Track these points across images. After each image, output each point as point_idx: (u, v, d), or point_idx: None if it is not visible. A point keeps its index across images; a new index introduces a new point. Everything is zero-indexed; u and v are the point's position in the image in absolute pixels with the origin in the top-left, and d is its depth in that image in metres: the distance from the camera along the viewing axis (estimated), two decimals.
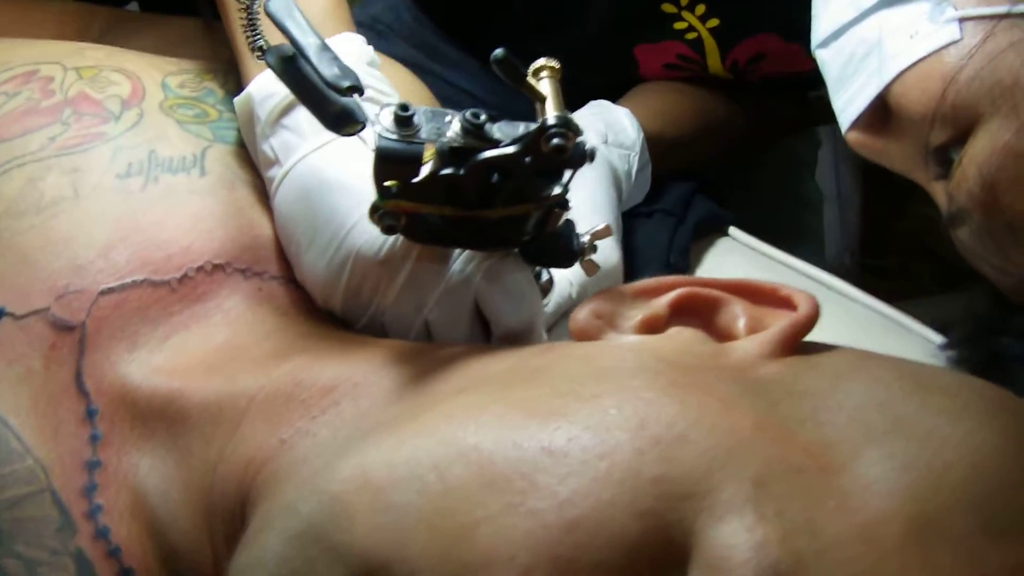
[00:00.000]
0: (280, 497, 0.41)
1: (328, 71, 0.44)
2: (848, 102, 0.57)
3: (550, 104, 0.44)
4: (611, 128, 0.70)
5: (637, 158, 0.70)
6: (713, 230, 0.72)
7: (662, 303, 0.44)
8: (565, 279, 0.58)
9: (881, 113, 0.55)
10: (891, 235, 1.67)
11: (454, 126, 0.44)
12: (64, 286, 0.50)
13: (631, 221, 0.70)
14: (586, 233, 0.51)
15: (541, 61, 0.46)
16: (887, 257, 1.66)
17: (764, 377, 0.40)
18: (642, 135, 0.71)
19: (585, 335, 0.43)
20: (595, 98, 0.75)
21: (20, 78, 0.56)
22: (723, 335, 0.43)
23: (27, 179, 0.52)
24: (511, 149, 0.44)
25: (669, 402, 0.37)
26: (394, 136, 0.44)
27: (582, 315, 0.43)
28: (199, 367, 0.49)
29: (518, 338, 0.50)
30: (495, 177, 0.45)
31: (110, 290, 0.50)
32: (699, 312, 0.44)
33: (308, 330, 0.51)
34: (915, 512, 0.34)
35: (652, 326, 0.43)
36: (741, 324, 0.43)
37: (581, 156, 0.45)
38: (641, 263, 0.68)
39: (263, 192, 0.55)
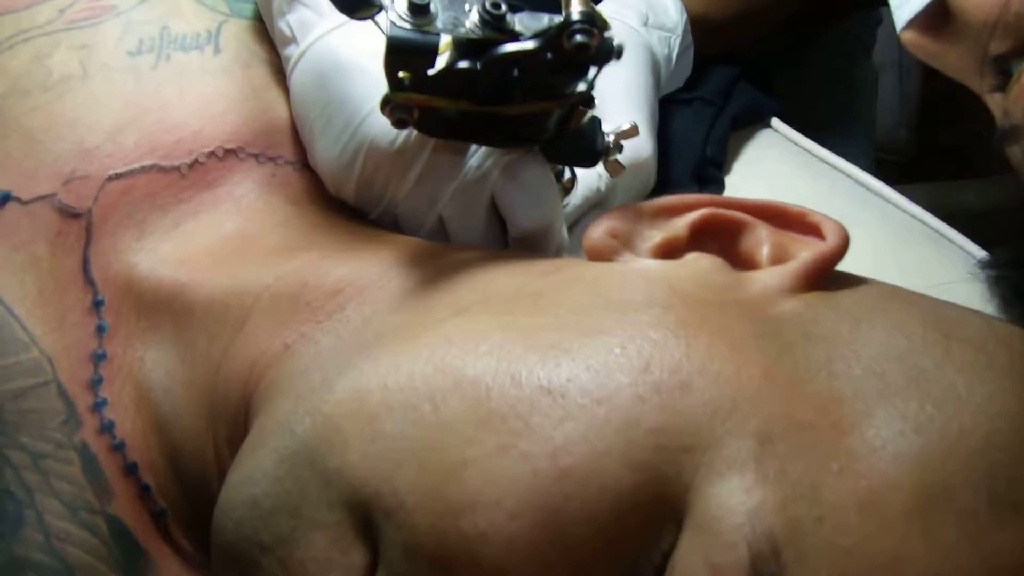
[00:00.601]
0: (277, 412, 0.40)
1: None
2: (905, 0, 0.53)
3: None
4: (652, 8, 0.66)
5: (679, 41, 0.66)
6: (755, 120, 0.69)
7: (682, 224, 0.41)
8: (594, 172, 0.55)
9: (939, 14, 0.52)
10: (950, 111, 1.61)
11: (472, 16, 0.42)
12: (71, 171, 0.48)
13: (669, 107, 0.66)
14: (612, 132, 0.48)
15: None
16: (944, 133, 1.60)
17: (782, 315, 0.38)
18: (685, 16, 0.67)
19: (599, 255, 0.41)
20: None
21: None
22: (745, 261, 0.41)
23: (34, 55, 0.50)
24: (531, 44, 0.41)
25: (676, 344, 0.35)
26: (408, 24, 0.41)
27: (596, 234, 0.41)
28: (207, 258, 0.48)
29: (535, 240, 0.48)
30: (514, 72, 0.42)
31: (117, 176, 0.49)
32: (721, 235, 0.42)
33: (320, 221, 0.50)
34: (922, 481, 0.32)
35: (670, 249, 0.41)
36: (764, 251, 0.41)
37: (608, 53, 0.42)
38: (676, 154, 0.65)
39: (281, 71, 0.52)
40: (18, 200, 0.48)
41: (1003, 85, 0.50)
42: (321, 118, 0.48)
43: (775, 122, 0.69)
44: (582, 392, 0.34)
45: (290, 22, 0.50)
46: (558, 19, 0.41)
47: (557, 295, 0.39)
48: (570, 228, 0.54)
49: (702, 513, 0.32)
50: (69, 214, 0.48)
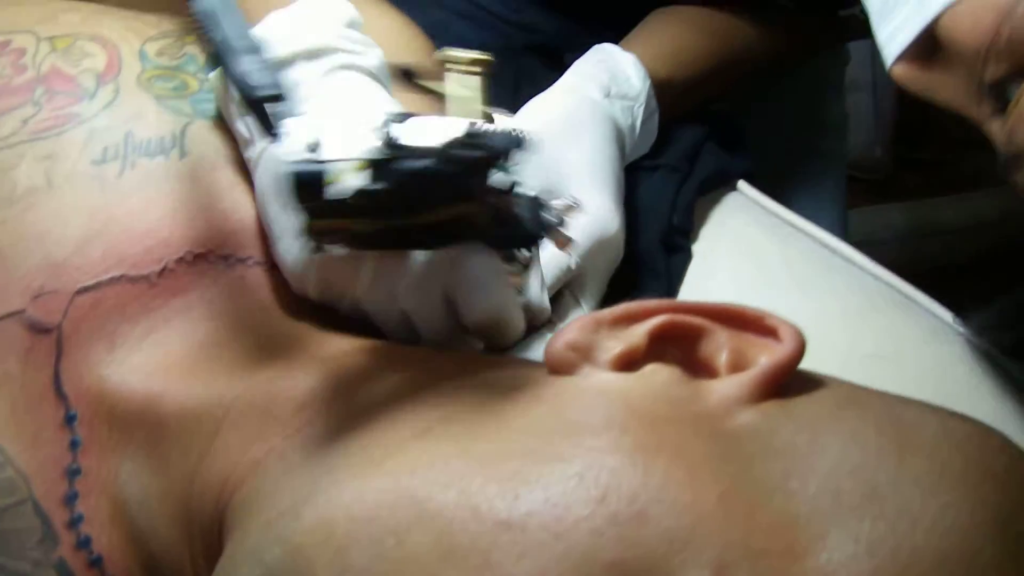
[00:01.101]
0: (246, 539, 0.40)
1: (248, 77, 0.42)
2: (892, 35, 0.53)
3: (453, 106, 0.42)
4: (614, 79, 0.67)
5: (643, 108, 0.67)
6: (722, 184, 0.69)
7: (641, 332, 0.42)
8: (564, 260, 0.56)
9: (930, 46, 0.51)
10: (926, 127, 1.61)
11: (367, 136, 0.42)
12: (39, 286, 0.49)
13: (634, 175, 0.67)
14: (554, 209, 0.49)
15: (472, 54, 0.43)
16: (921, 150, 1.61)
17: (739, 429, 0.38)
18: (648, 83, 0.68)
19: (559, 369, 0.42)
20: (615, 16, 0.71)
21: None
22: (705, 367, 0.42)
23: None
24: (426, 162, 0.42)
25: (633, 471, 0.35)
26: (302, 157, 0.42)
27: (556, 347, 0.42)
28: (179, 367, 0.49)
29: (489, 330, 0.49)
30: (421, 185, 0.43)
31: (86, 289, 0.49)
32: (681, 340, 0.42)
33: (292, 326, 0.50)
34: None
35: (629, 361, 0.41)
36: (723, 357, 0.41)
37: (508, 149, 0.43)
38: (643, 223, 0.65)
39: (247, 171, 0.53)
40: None
41: (1002, 111, 0.49)
42: (278, 220, 0.49)
43: (741, 184, 0.69)
44: (541, 527, 0.34)
45: (248, 123, 0.50)
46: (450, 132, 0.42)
47: (518, 416, 0.39)
48: (552, 300, 0.55)
49: None
50: (39, 329, 0.48)
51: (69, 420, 0.48)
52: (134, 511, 0.47)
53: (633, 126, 0.66)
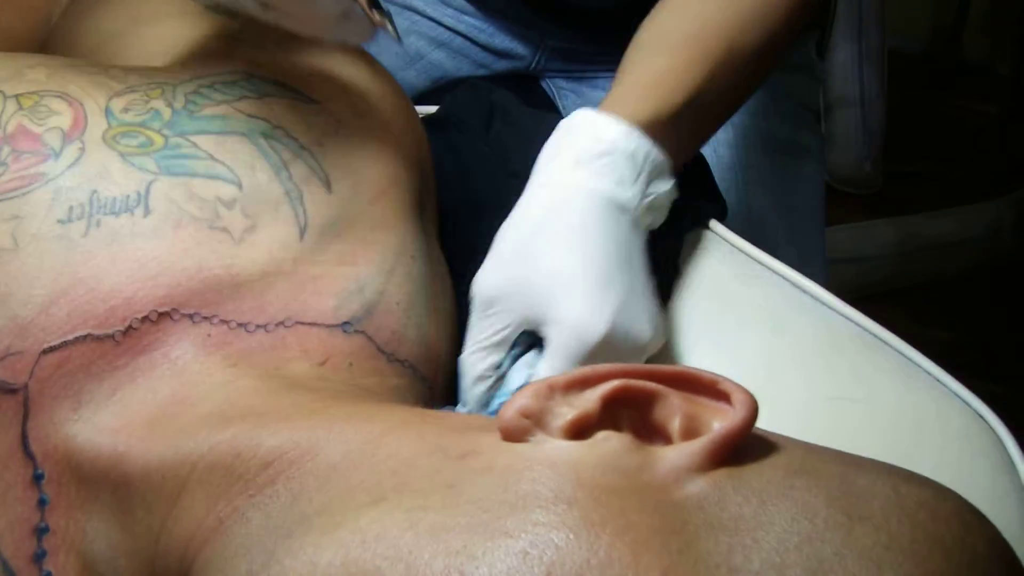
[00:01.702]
0: None
1: None
2: None
3: None
4: (588, 141, 0.61)
5: (629, 160, 0.60)
6: (696, 225, 0.70)
7: (594, 397, 0.42)
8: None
9: None
10: (915, 142, 1.62)
11: None
12: (6, 347, 0.49)
13: None
14: None
15: None
16: (911, 165, 1.61)
17: (687, 500, 0.38)
18: (634, 134, 0.61)
19: (512, 436, 0.42)
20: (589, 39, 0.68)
21: None
22: (658, 432, 0.42)
23: None
24: None
25: (577, 548, 0.36)
26: None
27: (509, 414, 0.42)
28: (144, 425, 0.49)
29: None
30: None
31: (52, 348, 0.50)
32: (635, 405, 0.42)
33: (258, 386, 0.51)
34: None
35: (581, 428, 0.41)
36: (676, 423, 0.42)
37: None
38: None
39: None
40: None
41: None
42: None
43: (713, 224, 0.70)
44: None
45: None
46: None
47: (468, 487, 0.40)
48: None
49: None
50: (6, 390, 0.49)
51: (37, 479, 0.48)
52: (102, 568, 0.48)
53: (621, 182, 0.59)
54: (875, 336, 0.61)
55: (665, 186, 0.62)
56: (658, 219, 0.63)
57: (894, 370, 0.60)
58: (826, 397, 0.59)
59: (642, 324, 0.58)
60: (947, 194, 1.58)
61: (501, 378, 0.59)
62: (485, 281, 0.60)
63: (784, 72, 0.95)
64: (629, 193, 0.60)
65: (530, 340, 0.59)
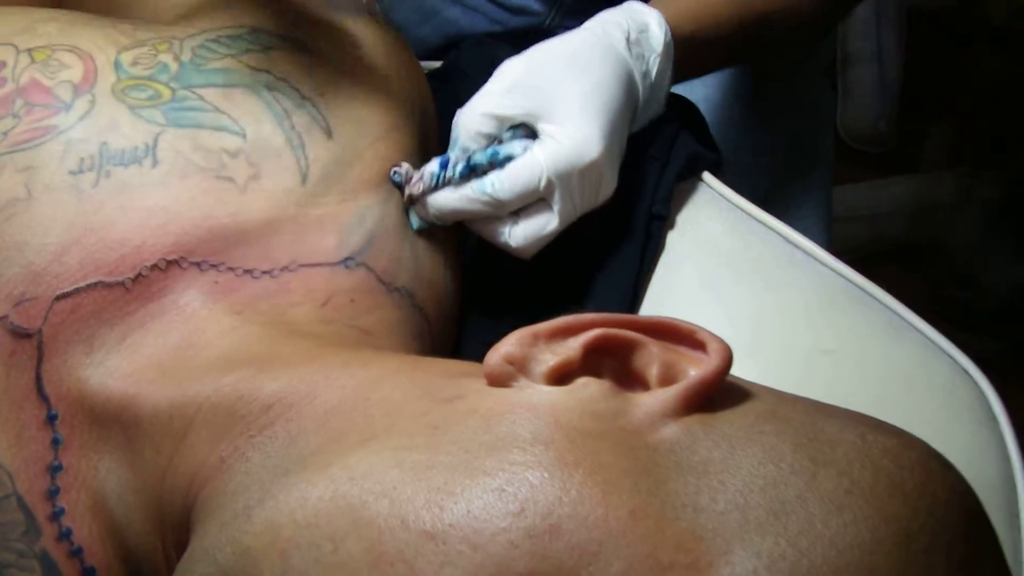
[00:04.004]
0: (204, 537, 0.43)
1: None
2: None
3: None
4: (636, 29, 0.68)
5: (658, 60, 0.68)
6: (693, 173, 0.71)
7: (576, 345, 0.44)
8: (538, 164, 0.60)
9: None
10: (932, 100, 1.61)
11: None
12: (21, 293, 0.52)
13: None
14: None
15: None
16: (927, 123, 1.60)
17: (659, 444, 0.40)
18: (669, 40, 0.69)
19: (496, 381, 0.44)
20: None
21: None
22: (637, 379, 0.44)
23: None
24: None
25: (551, 486, 0.38)
26: None
27: (494, 360, 0.44)
28: (154, 369, 0.51)
29: None
30: None
31: (65, 295, 0.52)
32: (615, 353, 0.44)
33: (262, 332, 0.53)
34: None
35: (563, 374, 0.43)
36: (654, 370, 0.43)
37: None
38: (623, 209, 0.68)
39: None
40: None
41: None
42: None
43: (706, 176, 0.71)
44: (461, 538, 0.37)
45: None
46: None
47: (452, 428, 0.42)
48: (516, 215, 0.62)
49: None
50: (21, 334, 0.51)
51: (51, 419, 0.51)
52: (112, 505, 0.50)
53: (647, 76, 0.68)
54: (864, 291, 0.62)
55: (661, 95, 0.71)
56: (652, 112, 0.71)
57: (882, 325, 0.61)
58: (815, 350, 0.60)
59: (610, 176, 0.64)
60: (962, 154, 1.57)
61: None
62: (521, 64, 0.65)
63: None
64: (648, 86, 0.69)
65: (524, 134, 0.64)
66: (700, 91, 0.94)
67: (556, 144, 0.61)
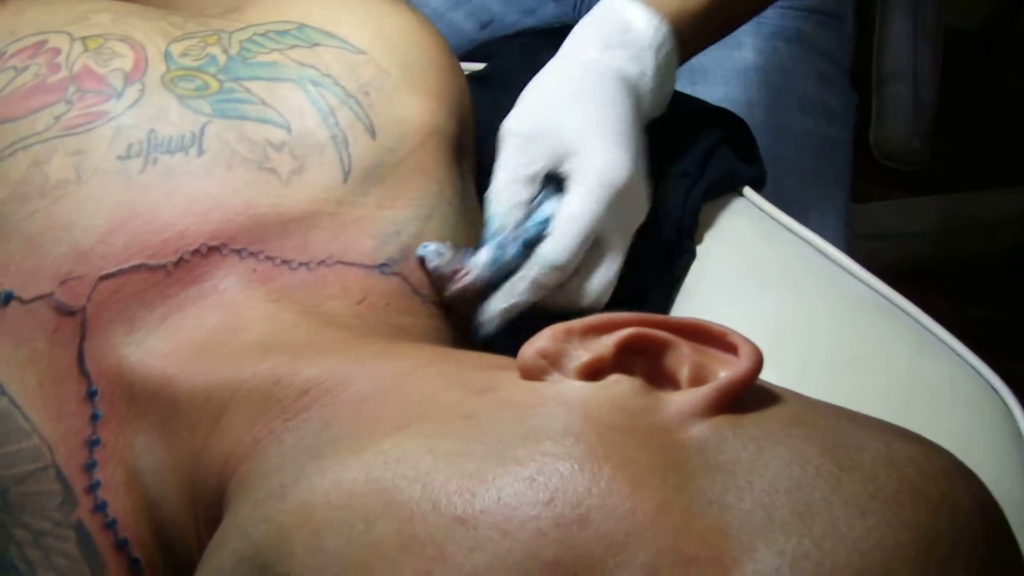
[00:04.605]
0: (239, 514, 0.44)
1: None
2: None
3: None
4: (613, 31, 0.67)
5: (652, 53, 0.66)
6: (729, 189, 0.72)
7: (609, 343, 0.45)
8: (578, 209, 0.59)
9: None
10: (966, 120, 1.61)
11: None
12: (67, 272, 0.53)
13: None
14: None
15: None
16: (961, 143, 1.60)
17: (688, 442, 0.41)
18: (657, 24, 0.67)
19: (530, 374, 0.45)
20: None
21: (29, 50, 0.58)
22: (668, 379, 0.44)
23: (32, 161, 0.54)
24: None
25: (581, 478, 0.39)
26: None
27: (528, 354, 0.45)
28: (192, 351, 0.53)
29: None
30: None
31: (109, 275, 0.53)
32: (647, 352, 0.45)
33: (299, 320, 0.54)
34: None
35: (595, 370, 0.44)
36: (685, 371, 0.44)
37: None
38: (651, 224, 0.68)
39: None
40: (19, 299, 0.53)
41: None
42: None
43: (747, 191, 0.71)
44: (491, 524, 0.38)
45: None
46: None
47: (485, 418, 0.42)
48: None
49: None
50: (65, 312, 0.53)
51: (91, 395, 0.52)
52: (147, 481, 0.51)
53: (643, 74, 0.66)
54: (893, 303, 0.63)
55: (670, 83, 0.68)
56: (658, 111, 0.69)
57: (910, 337, 0.61)
58: (843, 359, 0.61)
59: (643, 193, 0.63)
60: (994, 174, 1.57)
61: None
62: (520, 120, 0.65)
63: (816, 28, 0.96)
64: (649, 85, 0.66)
65: (554, 186, 0.63)
66: (720, 89, 0.94)
67: (587, 179, 0.61)
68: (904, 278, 0.69)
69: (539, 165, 0.62)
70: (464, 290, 0.59)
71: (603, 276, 0.63)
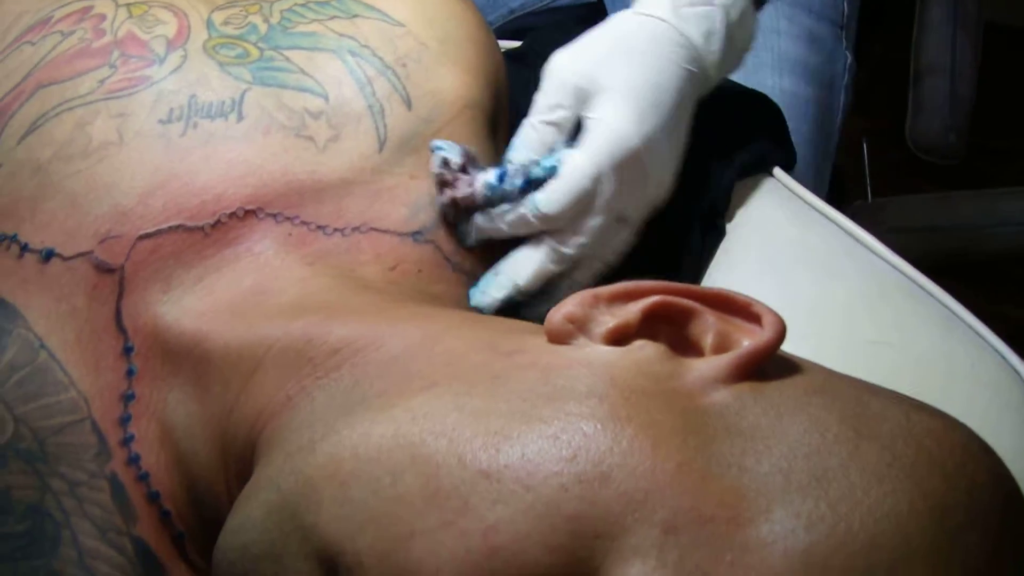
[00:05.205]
0: (269, 467, 0.46)
1: None
2: None
3: None
4: None
5: (723, 11, 0.64)
6: (760, 170, 0.72)
7: (635, 310, 0.45)
8: (579, 165, 0.59)
9: None
10: (1003, 116, 1.60)
11: None
12: (107, 231, 0.54)
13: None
14: None
15: None
16: (997, 139, 1.59)
17: (710, 407, 0.42)
18: None
19: (557, 338, 0.46)
20: None
21: (75, 15, 0.59)
22: (692, 346, 0.45)
23: (76, 123, 0.56)
24: None
25: (603, 437, 0.40)
26: None
27: (556, 318, 0.46)
28: (225, 310, 0.54)
29: None
30: None
31: (147, 235, 0.54)
32: (672, 320, 0.46)
33: (332, 284, 0.55)
34: None
35: (620, 335, 0.45)
36: (709, 339, 0.45)
37: None
38: (684, 199, 0.69)
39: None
40: (60, 256, 0.54)
41: None
42: None
43: (777, 171, 0.72)
44: (514, 478, 0.39)
45: None
46: None
47: (512, 379, 0.43)
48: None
49: None
50: (104, 269, 0.54)
51: (127, 351, 0.54)
52: (179, 435, 0.53)
53: (711, 32, 0.64)
54: (920, 287, 0.63)
55: (745, 37, 0.67)
56: (728, 70, 0.67)
57: (935, 319, 0.62)
58: (866, 340, 0.61)
59: (658, 169, 0.62)
60: None
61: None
62: (561, 62, 0.64)
63: None
64: (713, 47, 0.65)
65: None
66: None
67: (597, 139, 0.60)
68: (936, 273, 0.69)
69: (563, 113, 0.62)
70: (458, 199, 0.59)
71: (610, 241, 0.62)
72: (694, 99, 0.65)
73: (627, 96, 0.61)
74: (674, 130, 0.62)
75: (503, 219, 0.60)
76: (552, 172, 0.59)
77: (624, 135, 0.60)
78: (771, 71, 0.94)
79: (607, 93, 0.61)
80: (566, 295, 0.48)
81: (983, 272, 1.49)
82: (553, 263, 0.60)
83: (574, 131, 0.62)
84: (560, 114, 0.62)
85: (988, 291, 1.42)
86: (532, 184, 0.60)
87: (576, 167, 0.59)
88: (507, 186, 0.60)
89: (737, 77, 0.78)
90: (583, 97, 0.61)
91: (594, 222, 0.60)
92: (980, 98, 1.57)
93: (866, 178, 1.63)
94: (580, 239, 0.60)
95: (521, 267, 0.60)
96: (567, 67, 0.63)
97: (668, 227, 0.66)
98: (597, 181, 0.59)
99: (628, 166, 0.60)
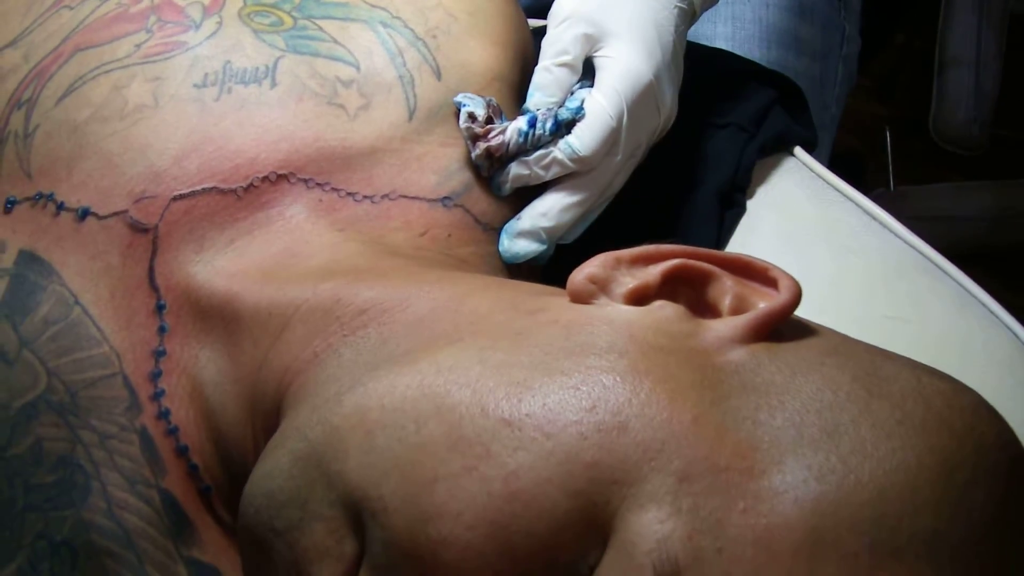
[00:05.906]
0: (297, 417, 0.47)
1: None
2: None
3: None
4: None
5: None
6: (781, 148, 0.73)
7: (655, 272, 0.47)
8: (601, 107, 0.61)
9: None
10: None
11: None
12: (141, 191, 0.56)
13: (704, 131, 0.71)
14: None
15: None
16: (1021, 130, 1.59)
17: (726, 364, 0.43)
18: None
19: (579, 298, 0.47)
20: None
21: None
22: (710, 309, 0.46)
23: (112, 86, 0.57)
24: None
25: (622, 389, 0.41)
26: None
27: (579, 278, 0.47)
28: (256, 271, 0.55)
29: None
30: None
31: (181, 196, 0.56)
32: (691, 283, 0.47)
33: (361, 249, 0.56)
34: (814, 524, 0.37)
35: (641, 296, 0.46)
36: (727, 301, 0.46)
37: None
38: (706, 175, 0.70)
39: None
40: (96, 215, 0.56)
41: None
42: None
43: (797, 150, 0.73)
44: (535, 427, 0.40)
45: None
46: None
47: (534, 335, 0.45)
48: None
49: (621, 538, 0.38)
50: (139, 229, 0.55)
51: (159, 309, 0.55)
52: (209, 391, 0.54)
53: None
54: (936, 265, 0.64)
55: None
56: (705, 7, 0.70)
57: (950, 297, 0.63)
58: (881, 316, 0.62)
59: (666, 101, 0.64)
60: None
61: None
62: (570, 5, 0.65)
63: None
64: None
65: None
66: (720, 28, 0.95)
67: (613, 78, 0.61)
68: (956, 262, 0.69)
69: (574, 54, 0.63)
70: (492, 149, 0.60)
71: (622, 174, 0.63)
72: (685, 33, 0.67)
73: (634, 35, 0.63)
74: (673, 63, 0.65)
75: (539, 164, 0.61)
76: (578, 112, 0.61)
77: (638, 72, 0.62)
78: (759, 43, 0.95)
79: (615, 33, 0.63)
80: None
81: (1005, 262, 1.49)
82: (577, 204, 0.62)
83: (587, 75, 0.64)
84: (572, 56, 0.63)
85: (1011, 282, 1.42)
86: (561, 127, 0.61)
87: (602, 107, 0.61)
88: (539, 130, 0.61)
89: (725, 48, 0.79)
90: (592, 38, 0.63)
91: (618, 158, 0.62)
92: (1004, 89, 1.57)
93: (888, 166, 1.63)
94: (604, 177, 0.62)
95: (547, 208, 0.62)
96: (574, 9, 0.64)
97: (689, 200, 0.67)
98: (620, 119, 0.61)
99: (643, 102, 0.62)
